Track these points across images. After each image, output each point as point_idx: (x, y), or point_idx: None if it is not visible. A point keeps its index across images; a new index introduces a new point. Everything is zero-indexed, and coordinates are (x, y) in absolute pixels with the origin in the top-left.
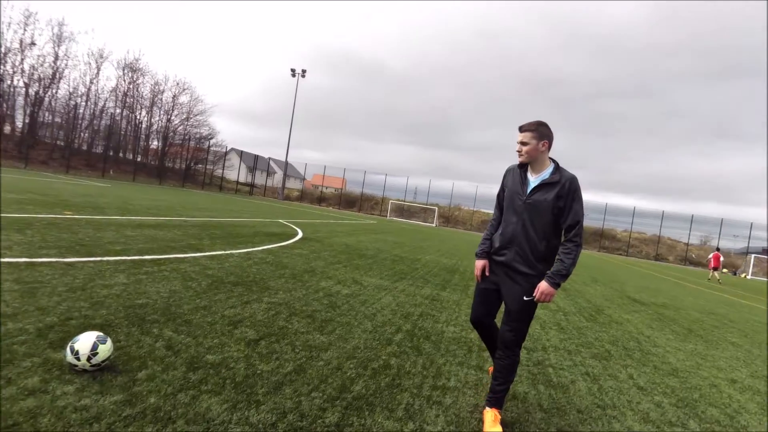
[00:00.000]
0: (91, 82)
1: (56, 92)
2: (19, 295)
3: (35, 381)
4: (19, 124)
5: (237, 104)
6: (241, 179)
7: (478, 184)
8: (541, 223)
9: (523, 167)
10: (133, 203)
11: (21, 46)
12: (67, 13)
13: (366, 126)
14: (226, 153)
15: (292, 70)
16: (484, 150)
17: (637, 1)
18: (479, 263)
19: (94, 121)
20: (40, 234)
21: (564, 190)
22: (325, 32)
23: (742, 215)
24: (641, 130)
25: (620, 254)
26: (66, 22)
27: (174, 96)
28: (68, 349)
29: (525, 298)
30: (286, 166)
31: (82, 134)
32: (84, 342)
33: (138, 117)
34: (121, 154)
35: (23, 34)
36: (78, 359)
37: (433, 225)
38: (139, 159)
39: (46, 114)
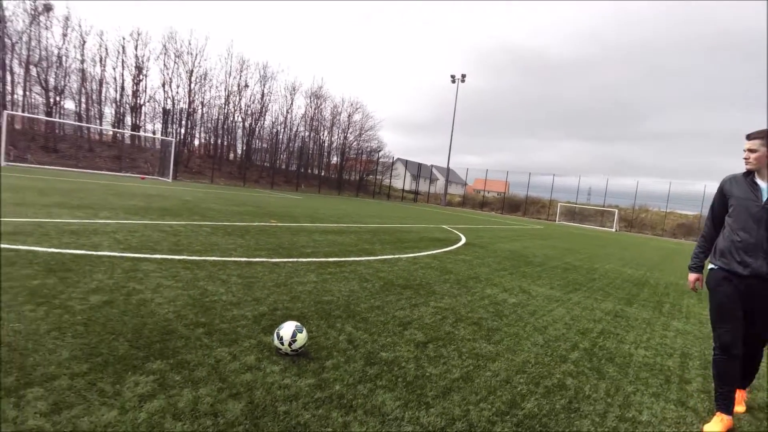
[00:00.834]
0: (287, 112)
1: (263, 123)
2: (241, 287)
3: (252, 359)
4: (239, 151)
5: (401, 116)
6: (406, 187)
7: (672, 180)
8: None
9: (748, 175)
10: (319, 212)
11: (238, 88)
12: (270, 56)
13: (529, 124)
14: (392, 163)
15: (452, 77)
16: (671, 139)
17: None
18: (692, 276)
19: (290, 144)
20: (255, 239)
21: None
22: (480, 32)
23: None
24: None
25: None
26: (268, 64)
27: (349, 115)
28: (275, 335)
29: None
30: (447, 172)
31: (281, 156)
32: (287, 329)
33: (321, 137)
34: (309, 170)
35: (239, 78)
36: (282, 344)
37: (613, 230)
38: (322, 174)
39: (257, 141)
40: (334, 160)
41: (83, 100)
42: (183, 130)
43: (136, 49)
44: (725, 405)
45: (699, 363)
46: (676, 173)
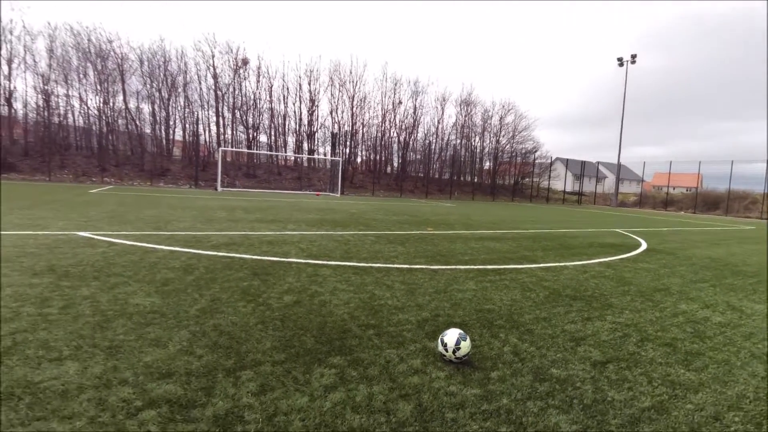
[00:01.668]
0: (438, 122)
1: (416, 135)
2: (404, 293)
3: (418, 363)
4: (395, 164)
5: (559, 112)
6: (568, 188)
7: None
8: None
9: None
10: (473, 219)
11: (393, 106)
12: (420, 72)
13: (726, 103)
14: (551, 164)
15: (619, 59)
16: None
17: None
18: None
19: (442, 154)
20: (414, 246)
21: None
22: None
23: None
24: None
25: None
26: (419, 79)
27: (501, 118)
28: (439, 341)
29: None
30: (618, 168)
31: (434, 165)
32: (451, 336)
33: (473, 143)
34: (461, 178)
35: (393, 96)
36: (446, 351)
37: None
38: (475, 180)
39: (411, 154)
40: (487, 165)
41: (272, 133)
42: (347, 150)
43: (309, 85)
44: None
45: None
46: None
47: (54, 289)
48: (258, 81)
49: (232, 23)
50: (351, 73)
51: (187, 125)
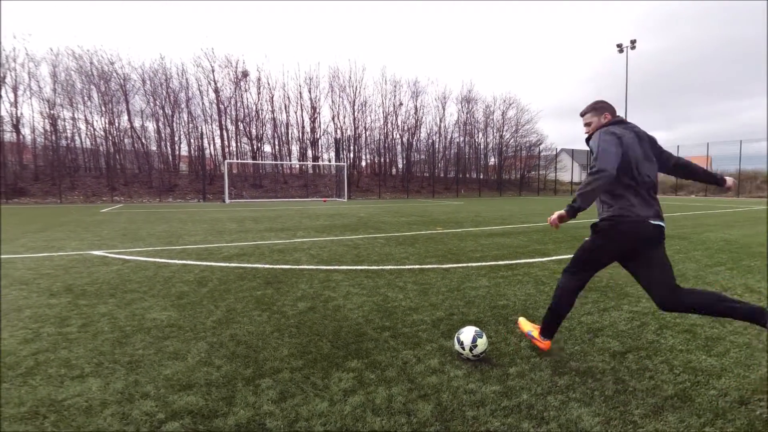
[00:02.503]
0: (440, 121)
1: (419, 136)
2: (417, 293)
3: (435, 362)
4: (400, 165)
5: (562, 103)
6: (575, 179)
7: None
8: None
9: None
10: (481, 216)
11: (394, 108)
12: (419, 72)
13: (730, 78)
14: (556, 155)
15: (618, 46)
16: None
17: None
18: None
19: (446, 152)
20: (424, 246)
21: None
22: None
23: None
24: None
25: None
26: (418, 80)
27: (503, 113)
28: (455, 339)
29: None
30: None
31: (438, 164)
32: (466, 334)
33: (476, 140)
34: (467, 175)
35: (394, 98)
36: (463, 349)
37: None
38: (481, 177)
39: (415, 154)
40: (492, 161)
41: (276, 142)
42: (352, 155)
43: (309, 92)
44: None
45: None
46: None
47: (72, 308)
48: (259, 92)
49: (230, 37)
50: (350, 78)
51: (192, 140)
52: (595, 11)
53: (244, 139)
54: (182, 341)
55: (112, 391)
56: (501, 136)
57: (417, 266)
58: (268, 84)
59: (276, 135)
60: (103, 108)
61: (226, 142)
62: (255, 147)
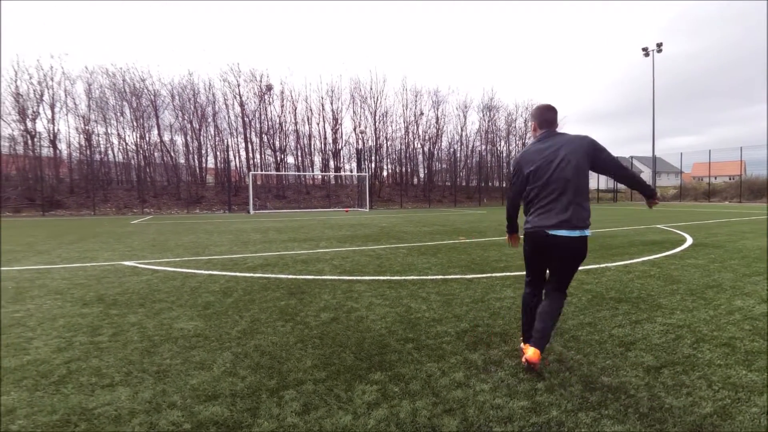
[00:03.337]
0: (462, 129)
1: (440, 145)
2: (441, 304)
3: (460, 376)
4: (421, 175)
5: (586, 108)
6: (601, 186)
7: None
8: None
9: None
10: (505, 225)
11: (415, 118)
12: (439, 81)
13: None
14: None
15: (644, 49)
16: None
17: None
18: None
19: (467, 161)
20: (447, 256)
21: None
22: None
23: None
24: None
25: None
26: (439, 89)
27: (525, 120)
28: None
29: None
30: (654, 161)
31: (460, 173)
32: None
33: (498, 148)
34: (489, 183)
35: (415, 108)
36: None
37: None
38: (504, 185)
39: (436, 163)
40: None
41: (299, 154)
42: (373, 165)
43: (331, 104)
44: None
45: None
46: None
47: (104, 317)
48: (282, 105)
49: (255, 52)
50: (371, 89)
51: (218, 153)
52: (619, 14)
53: (268, 151)
54: (208, 351)
55: (141, 400)
56: (524, 144)
57: (440, 276)
58: (291, 97)
59: (299, 146)
60: (134, 123)
61: (250, 154)
62: (278, 158)
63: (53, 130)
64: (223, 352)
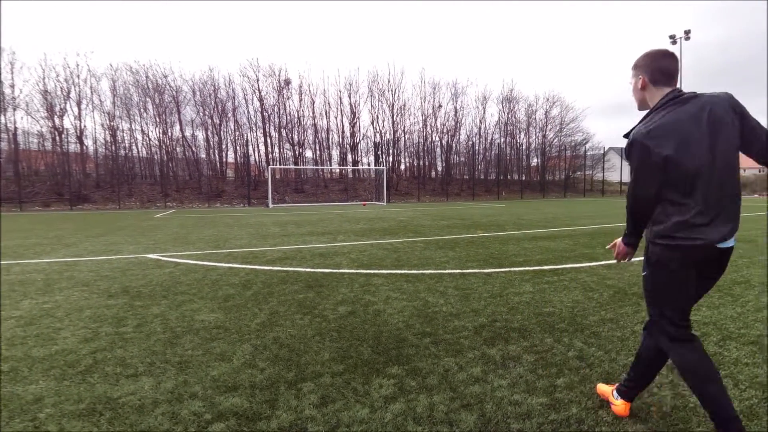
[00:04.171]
0: (480, 122)
1: (459, 138)
2: (459, 298)
3: (478, 371)
4: (439, 168)
5: (610, 99)
6: (625, 179)
7: None
8: None
9: None
10: (524, 218)
11: (433, 110)
12: (458, 73)
13: None
14: (604, 154)
15: (671, 37)
16: None
17: None
18: None
19: (486, 154)
20: (465, 250)
21: None
22: None
23: None
24: None
25: None
26: (458, 81)
27: (546, 112)
28: None
29: None
30: None
31: (479, 166)
32: None
33: (518, 141)
34: (508, 177)
35: (433, 101)
36: None
37: None
38: (523, 178)
39: (454, 156)
40: (534, 161)
41: (317, 148)
42: (391, 158)
43: (349, 98)
44: None
45: None
46: None
47: (128, 309)
48: (300, 99)
49: (273, 47)
50: (389, 81)
51: (237, 147)
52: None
53: (287, 145)
54: (228, 343)
55: (163, 390)
56: (544, 136)
57: (458, 271)
58: (309, 91)
59: (317, 140)
60: (157, 119)
61: (269, 149)
62: (297, 153)
63: (80, 126)
64: (243, 344)
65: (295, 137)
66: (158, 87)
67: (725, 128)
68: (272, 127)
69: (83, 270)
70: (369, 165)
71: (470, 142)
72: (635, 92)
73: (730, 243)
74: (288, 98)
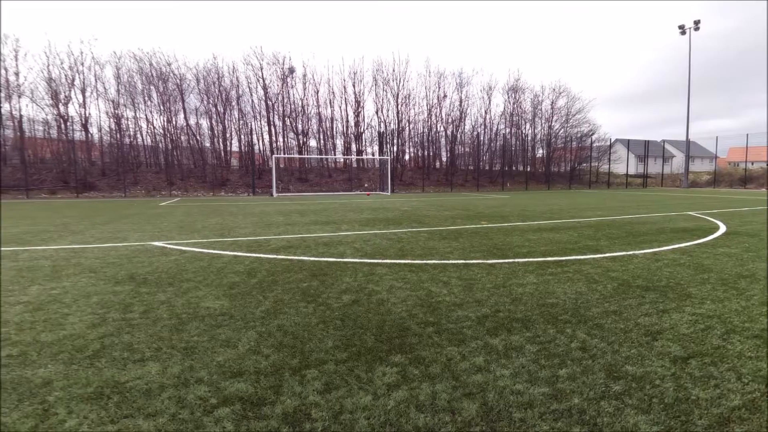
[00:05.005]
0: (486, 112)
1: (464, 128)
2: (462, 289)
3: (480, 360)
4: (443, 158)
5: (616, 90)
6: (631, 171)
7: None
8: None
9: None
10: (528, 210)
11: (438, 100)
12: (463, 63)
13: None
14: (610, 146)
15: (680, 27)
16: None
17: None
18: None
19: (491, 144)
20: (468, 241)
21: None
22: None
23: None
24: None
25: None
26: (463, 71)
27: (552, 102)
28: None
29: None
30: (687, 145)
31: (484, 157)
32: None
33: (523, 131)
34: (513, 168)
35: (438, 90)
36: None
37: None
38: (528, 169)
39: (459, 147)
40: (540, 152)
41: (321, 137)
42: (395, 148)
43: (354, 87)
44: None
45: None
46: None
47: (135, 295)
48: (305, 88)
49: (277, 35)
50: (394, 71)
51: (242, 136)
52: None
53: (291, 135)
54: (233, 330)
55: (170, 375)
56: (550, 127)
57: (461, 261)
58: (314, 80)
59: (321, 130)
60: (161, 107)
61: (273, 138)
62: (301, 142)
63: (85, 114)
64: (248, 331)
65: (300, 126)
66: (162, 75)
67: None
68: (276, 116)
69: (90, 257)
70: (373, 155)
71: (475, 133)
72: None
73: None
74: (292, 87)
